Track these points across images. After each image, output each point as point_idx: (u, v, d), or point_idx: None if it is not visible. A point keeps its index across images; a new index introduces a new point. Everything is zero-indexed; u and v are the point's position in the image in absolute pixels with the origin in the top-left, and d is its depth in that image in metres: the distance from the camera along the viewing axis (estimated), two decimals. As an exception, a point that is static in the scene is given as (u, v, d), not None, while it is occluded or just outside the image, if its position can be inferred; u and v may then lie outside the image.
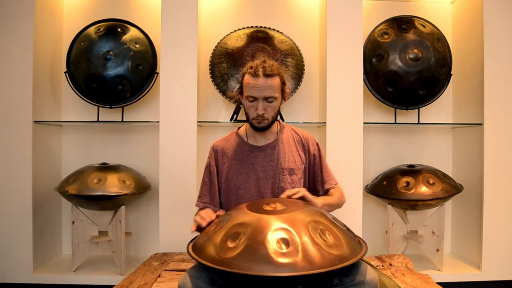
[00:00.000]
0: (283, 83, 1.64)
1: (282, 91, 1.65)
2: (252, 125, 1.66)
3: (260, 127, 1.64)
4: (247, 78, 1.60)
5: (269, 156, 1.70)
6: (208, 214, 1.44)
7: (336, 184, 1.79)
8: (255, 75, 1.57)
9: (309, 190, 1.79)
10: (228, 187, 1.73)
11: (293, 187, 1.69)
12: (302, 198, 1.50)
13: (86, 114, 2.69)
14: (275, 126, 1.74)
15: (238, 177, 1.71)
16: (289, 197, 1.49)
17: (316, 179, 1.77)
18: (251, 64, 1.62)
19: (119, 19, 2.58)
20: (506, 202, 2.49)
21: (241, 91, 1.67)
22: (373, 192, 2.55)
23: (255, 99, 1.60)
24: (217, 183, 1.76)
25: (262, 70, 1.57)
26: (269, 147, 1.71)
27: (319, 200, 1.58)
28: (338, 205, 1.72)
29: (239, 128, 1.81)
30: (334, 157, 2.39)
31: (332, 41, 2.45)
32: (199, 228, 1.41)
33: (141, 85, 2.53)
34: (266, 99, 1.59)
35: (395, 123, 2.66)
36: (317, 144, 1.79)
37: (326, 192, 1.76)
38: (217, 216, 1.43)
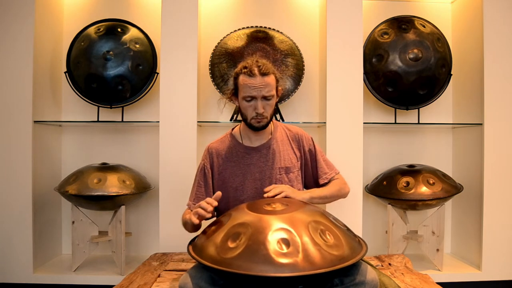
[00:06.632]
0: (277, 81, 1.64)
1: (276, 89, 1.65)
2: (250, 126, 1.65)
3: (260, 126, 1.63)
4: (243, 79, 1.59)
5: (264, 157, 1.70)
6: (210, 202, 1.42)
7: (337, 174, 1.80)
8: (251, 74, 1.56)
9: (310, 185, 1.80)
10: (225, 189, 1.70)
11: (291, 186, 1.70)
12: (286, 197, 1.50)
13: (86, 114, 2.69)
14: (269, 126, 1.73)
15: (235, 179, 1.70)
16: (272, 197, 1.49)
17: (316, 173, 1.78)
18: (244, 64, 1.61)
19: (119, 19, 2.58)
20: (506, 202, 2.49)
21: (234, 92, 1.66)
22: (373, 192, 2.55)
23: (253, 98, 1.59)
24: (211, 185, 1.74)
25: (258, 69, 1.57)
26: (264, 147, 1.71)
27: (306, 194, 1.58)
28: (337, 196, 1.72)
29: (233, 129, 1.79)
30: (334, 157, 2.38)
31: (332, 41, 2.45)
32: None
33: (141, 85, 2.53)
34: (265, 97, 1.59)
35: (395, 123, 2.66)
36: (311, 139, 1.80)
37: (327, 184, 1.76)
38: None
